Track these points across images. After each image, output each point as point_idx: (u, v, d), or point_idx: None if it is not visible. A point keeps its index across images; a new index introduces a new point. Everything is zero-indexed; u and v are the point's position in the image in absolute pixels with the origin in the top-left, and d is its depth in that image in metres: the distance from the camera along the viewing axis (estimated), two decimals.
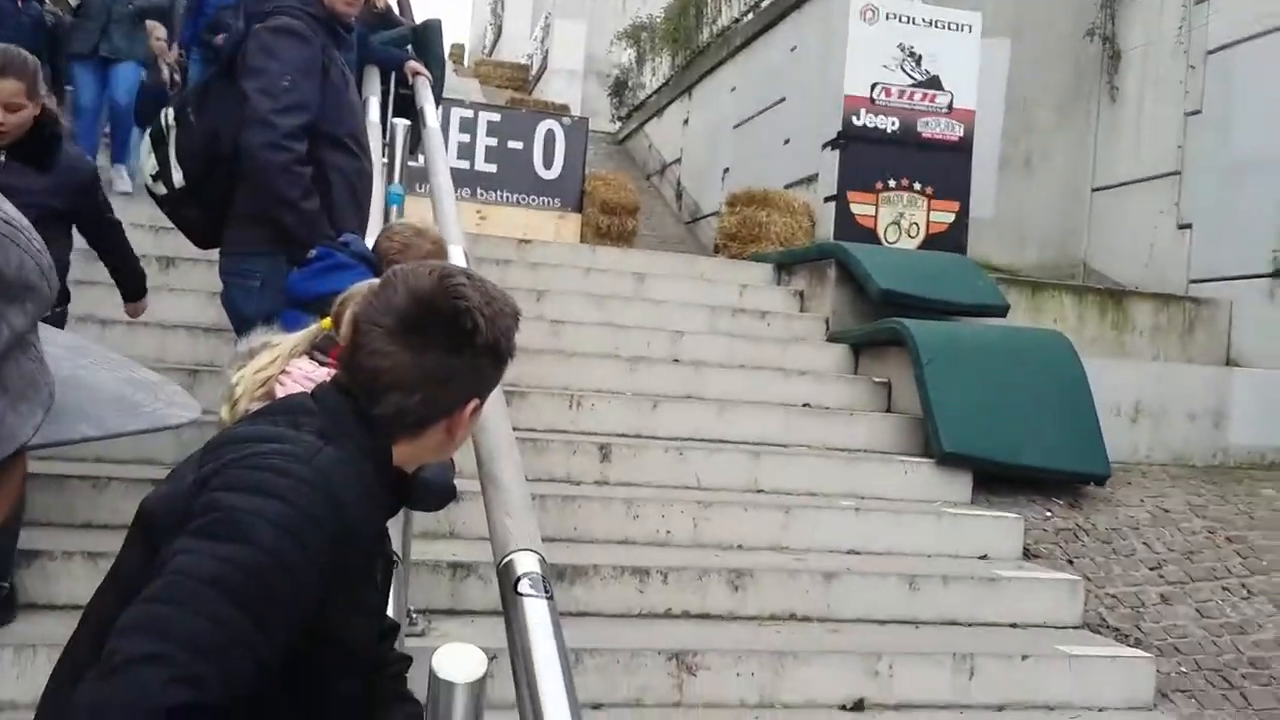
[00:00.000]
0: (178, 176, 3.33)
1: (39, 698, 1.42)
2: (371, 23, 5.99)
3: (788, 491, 4.86)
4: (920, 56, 8.75)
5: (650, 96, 14.68)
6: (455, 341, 1.44)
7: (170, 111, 3.44)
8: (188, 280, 5.55)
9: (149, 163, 3.44)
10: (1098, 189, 9.15)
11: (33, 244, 0.46)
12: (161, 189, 3.38)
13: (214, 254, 3.68)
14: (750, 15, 11.62)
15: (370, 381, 1.44)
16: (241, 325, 3.20)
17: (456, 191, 6.46)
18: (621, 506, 4.34)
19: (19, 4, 6.42)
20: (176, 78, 7.80)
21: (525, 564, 1.88)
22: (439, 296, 1.44)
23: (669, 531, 4.35)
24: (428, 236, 3.00)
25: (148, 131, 3.51)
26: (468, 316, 1.43)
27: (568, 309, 6.25)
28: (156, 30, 7.59)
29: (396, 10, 7.97)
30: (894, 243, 8.38)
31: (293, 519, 1.29)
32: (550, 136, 9.79)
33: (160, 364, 4.73)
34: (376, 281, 2.14)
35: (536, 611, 1.77)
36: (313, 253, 3.09)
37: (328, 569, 1.32)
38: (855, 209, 8.65)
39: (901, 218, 8.64)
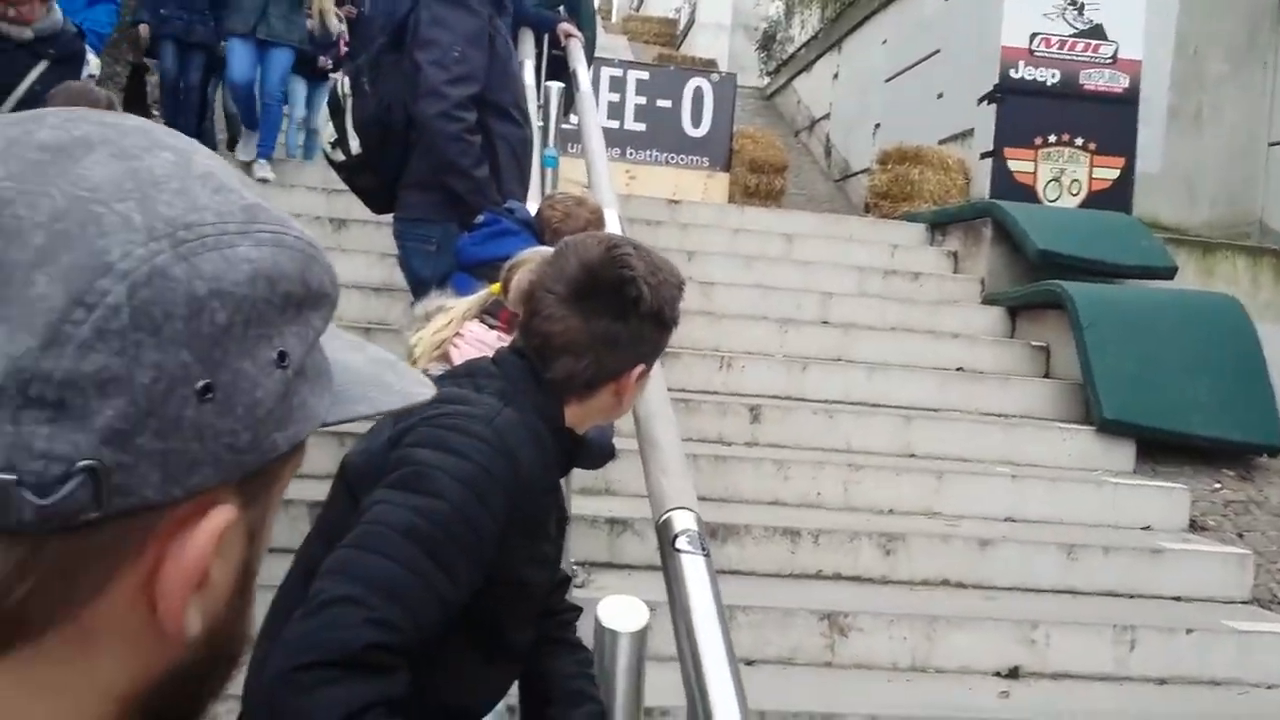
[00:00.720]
0: (354, 144, 3.49)
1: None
2: None
3: (940, 457, 4.82)
4: (1082, 5, 8.38)
5: (799, 50, 14.45)
6: (621, 308, 1.52)
7: (345, 81, 3.60)
8: (358, 241, 5.81)
9: (327, 130, 3.62)
10: (1275, 143, 8.61)
11: (325, 258, 0.54)
12: (339, 156, 3.55)
13: (381, 215, 3.86)
14: None
15: (544, 345, 1.54)
16: (418, 286, 3.35)
17: (607, 151, 6.55)
18: (772, 467, 4.39)
19: None
20: (343, 28, 7.89)
21: (683, 521, 1.95)
22: (607, 266, 1.52)
23: (819, 494, 4.37)
24: (587, 206, 3.09)
25: (325, 100, 3.69)
26: (633, 285, 1.51)
27: (717, 270, 6.28)
28: None
29: None
30: (1054, 201, 8.10)
31: (474, 475, 1.40)
32: (698, 94, 9.78)
33: (336, 322, 4.98)
34: (549, 250, 2.24)
35: (695, 568, 1.84)
36: (480, 218, 3.21)
37: (506, 521, 1.43)
38: (1013, 165, 8.38)
39: (1062, 174, 8.34)
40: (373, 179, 3.59)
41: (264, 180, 6.58)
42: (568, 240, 1.65)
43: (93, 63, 4.24)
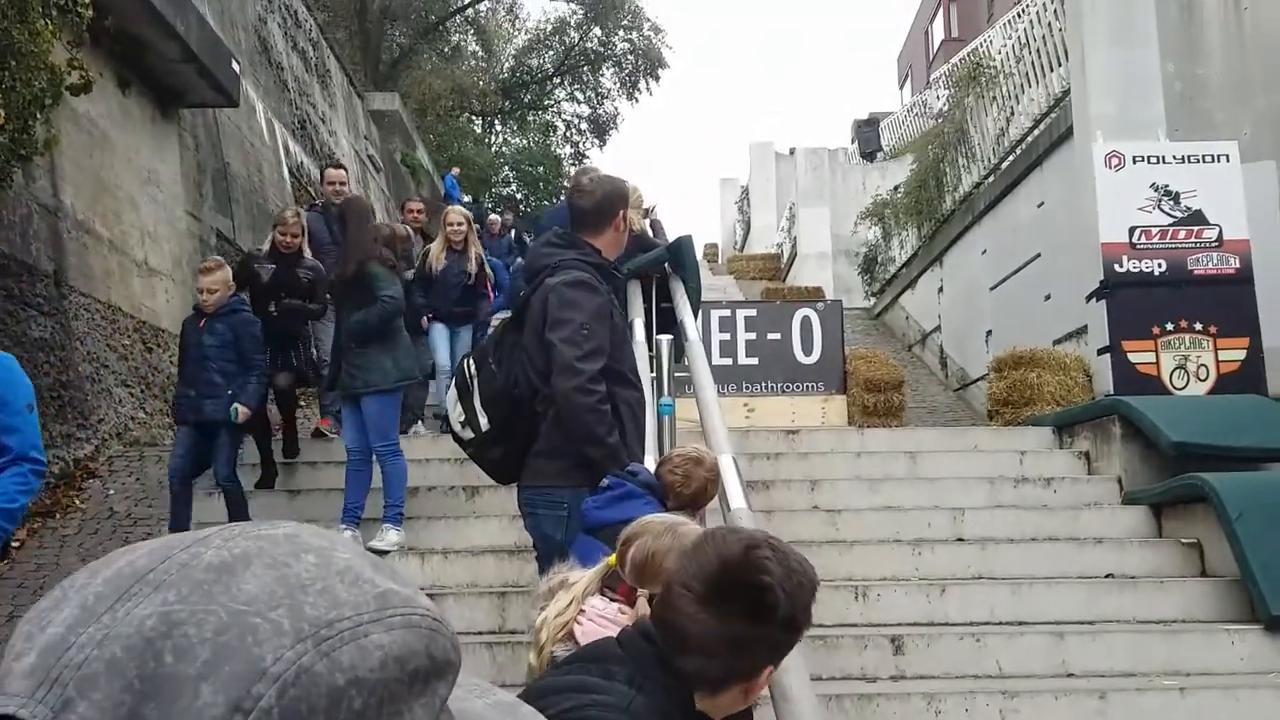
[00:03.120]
0: (483, 421, 3.70)
1: None
2: (629, 248, 6.44)
3: (1101, 673, 4.58)
4: (1178, 194, 8.45)
5: (901, 269, 14.79)
6: (756, 613, 1.56)
7: (471, 362, 3.86)
8: (490, 506, 6.03)
9: (455, 411, 3.84)
10: None
11: (448, 628, 0.59)
12: (469, 434, 3.74)
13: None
14: (991, 178, 11.64)
15: (678, 641, 1.58)
16: (551, 551, 3.46)
17: (722, 388, 6.71)
18: (921, 702, 4.23)
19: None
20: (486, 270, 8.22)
21: None
22: (745, 569, 1.56)
23: None
24: (704, 465, 3.20)
25: (453, 381, 3.93)
26: (770, 593, 1.55)
27: (842, 496, 6.28)
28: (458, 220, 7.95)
29: (650, 233, 8.60)
30: (1182, 389, 7.91)
31: None
32: (806, 323, 10.02)
33: (473, 588, 5.14)
34: (659, 520, 2.34)
35: None
36: (605, 482, 3.33)
37: None
38: (1133, 358, 8.27)
39: (1186, 361, 8.18)
40: (502, 451, 3.77)
41: (389, 551, 5.47)
42: (709, 535, 1.70)
43: None
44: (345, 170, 8.39)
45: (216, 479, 5.78)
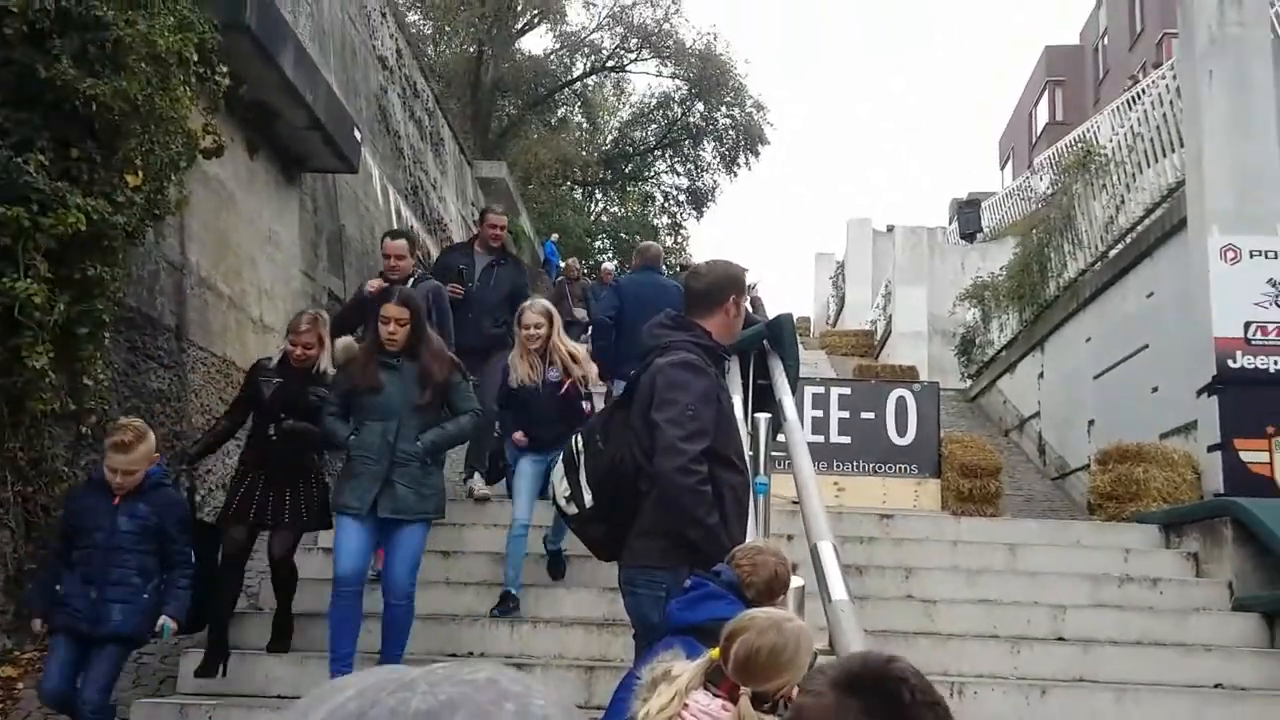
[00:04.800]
0: (588, 497, 3.75)
1: None
2: None
3: None
4: None
5: (999, 352, 14.53)
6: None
7: (579, 439, 3.92)
8: (580, 577, 6.04)
9: (561, 486, 3.90)
10: None
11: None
12: (573, 509, 3.81)
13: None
14: (1098, 265, 11.44)
15: None
16: (648, 631, 3.46)
17: (814, 465, 6.62)
18: None
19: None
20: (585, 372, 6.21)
21: None
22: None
23: None
24: (767, 551, 3.19)
25: (560, 456, 3.99)
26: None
27: (938, 587, 6.15)
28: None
29: (751, 309, 8.63)
30: None
31: None
32: (901, 404, 9.89)
33: (560, 660, 5.14)
34: (761, 614, 2.32)
35: None
36: (687, 583, 3.32)
37: None
38: (1245, 457, 7.98)
39: None
40: (604, 529, 3.80)
41: None
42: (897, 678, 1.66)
43: None
44: (407, 241, 7.05)
45: (81, 706, 4.24)
